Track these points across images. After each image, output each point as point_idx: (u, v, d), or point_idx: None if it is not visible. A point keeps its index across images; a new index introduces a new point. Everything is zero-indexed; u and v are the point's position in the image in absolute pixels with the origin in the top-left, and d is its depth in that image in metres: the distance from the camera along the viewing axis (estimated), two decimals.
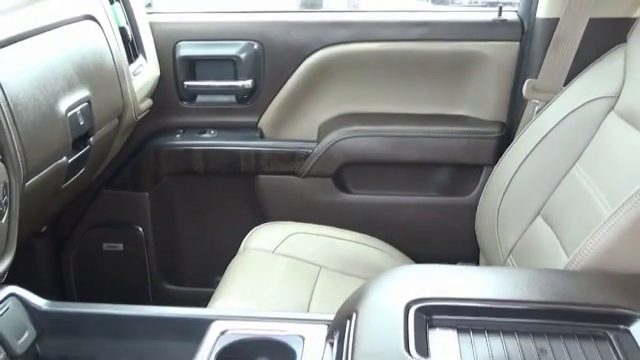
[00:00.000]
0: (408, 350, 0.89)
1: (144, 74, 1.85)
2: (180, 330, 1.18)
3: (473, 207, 1.79)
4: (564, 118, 1.58)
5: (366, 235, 1.82)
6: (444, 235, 1.96)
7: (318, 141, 1.94)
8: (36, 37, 1.40)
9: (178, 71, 1.94)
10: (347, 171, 1.96)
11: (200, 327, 1.15)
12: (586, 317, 0.98)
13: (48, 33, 1.44)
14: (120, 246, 2.02)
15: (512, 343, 0.94)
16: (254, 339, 1.13)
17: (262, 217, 1.88)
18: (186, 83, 1.95)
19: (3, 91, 1.22)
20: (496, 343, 0.94)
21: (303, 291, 1.59)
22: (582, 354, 0.92)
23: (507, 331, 0.96)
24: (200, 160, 1.96)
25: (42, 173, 1.35)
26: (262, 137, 1.98)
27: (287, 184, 1.95)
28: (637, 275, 1.08)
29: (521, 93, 1.77)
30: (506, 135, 1.86)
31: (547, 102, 1.68)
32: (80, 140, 1.52)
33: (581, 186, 1.46)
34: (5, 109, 1.21)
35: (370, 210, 1.95)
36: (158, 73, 1.92)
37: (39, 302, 1.21)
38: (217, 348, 1.10)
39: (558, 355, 0.91)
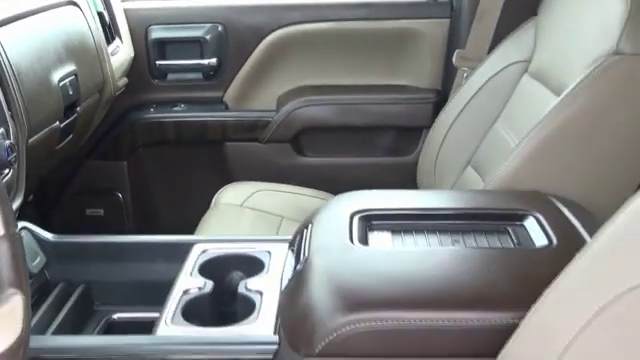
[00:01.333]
0: (352, 241, 1.15)
1: (120, 54, 2.07)
2: (167, 253, 1.41)
3: (414, 164, 2.04)
4: (487, 81, 1.84)
5: (321, 191, 2.07)
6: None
7: (277, 111, 2.18)
8: (29, 18, 1.62)
9: (150, 52, 2.17)
10: (303, 137, 2.21)
11: (184, 249, 1.38)
12: (491, 217, 1.24)
13: (39, 15, 1.66)
14: (101, 211, 2.23)
15: (433, 238, 1.20)
16: (229, 255, 1.37)
17: (229, 180, 2.11)
18: (158, 62, 2.17)
19: (9, 60, 1.44)
20: (420, 238, 1.20)
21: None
22: (487, 242, 1.18)
23: (430, 230, 1.22)
24: (172, 131, 2.19)
25: (41, 133, 1.57)
26: (227, 109, 2.22)
27: (251, 150, 2.19)
28: (534, 190, 1.35)
29: (452, 63, 2.04)
30: (441, 100, 2.12)
31: (473, 69, 1.95)
32: (69, 109, 1.74)
33: (502, 137, 1.73)
34: (11, 74, 1.43)
35: (324, 171, 2.19)
36: (132, 54, 2.14)
37: (47, 235, 1.44)
38: (198, 264, 1.33)
39: (468, 244, 1.17)
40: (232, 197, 1.97)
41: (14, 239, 0.82)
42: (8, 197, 0.87)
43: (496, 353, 0.91)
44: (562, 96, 1.40)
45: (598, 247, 0.80)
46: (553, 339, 0.81)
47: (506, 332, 0.90)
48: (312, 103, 2.16)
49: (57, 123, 1.66)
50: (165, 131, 2.19)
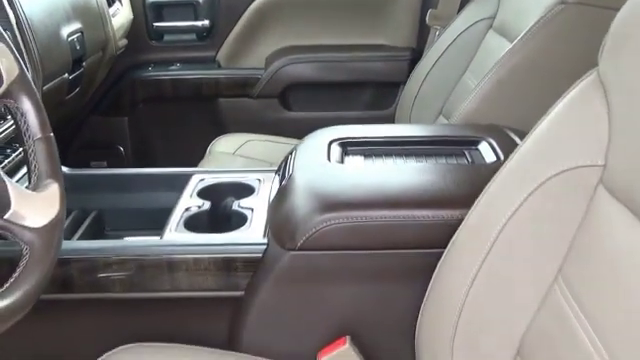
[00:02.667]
0: (329, 161, 1.34)
1: (120, 16, 2.25)
2: (169, 183, 1.59)
3: (392, 117, 2.24)
4: (456, 38, 2.03)
5: None
6: None
7: (265, 69, 2.37)
8: None
9: (148, 14, 2.35)
10: (290, 92, 2.40)
11: (183, 179, 1.56)
12: (451, 143, 1.43)
13: None
14: (105, 163, 2.42)
15: (400, 160, 1.39)
16: (224, 183, 1.56)
17: (222, 132, 2.29)
18: (155, 24, 2.36)
19: (24, 13, 1.62)
20: (389, 160, 1.39)
21: None
22: (445, 163, 1.37)
23: (397, 154, 1.40)
24: (169, 88, 2.37)
25: (53, 82, 1.74)
26: (219, 67, 2.40)
27: (242, 104, 2.38)
28: (490, 124, 1.54)
29: (425, 22, 2.23)
30: (416, 57, 2.31)
31: (444, 27, 2.14)
32: (76, 63, 1.91)
33: (468, 86, 1.92)
34: (27, 26, 1.61)
35: (309, 124, 2.37)
36: (131, 16, 2.32)
37: (63, 168, 1.61)
38: (196, 190, 1.52)
39: (430, 165, 1.37)
40: (225, 146, 2.15)
41: (49, 140, 1.01)
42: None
43: (446, 244, 1.10)
44: (514, 42, 1.59)
45: (522, 150, 0.99)
46: (488, 229, 0.99)
47: (455, 226, 1.09)
48: (297, 61, 2.34)
49: (66, 75, 1.84)
50: (163, 88, 2.37)
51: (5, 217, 0.90)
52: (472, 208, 1.05)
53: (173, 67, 2.39)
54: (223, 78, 2.37)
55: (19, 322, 1.11)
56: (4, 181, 0.90)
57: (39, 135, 0.99)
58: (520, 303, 0.94)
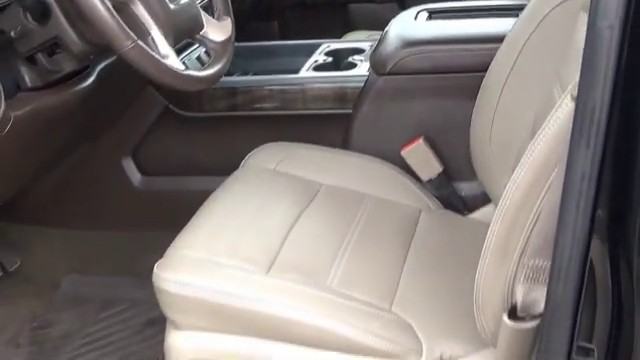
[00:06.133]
0: (416, 20, 1.85)
1: None
2: (306, 49, 2.15)
3: None
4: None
5: None
6: None
7: None
8: None
9: None
10: None
11: (315, 46, 2.12)
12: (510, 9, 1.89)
13: None
14: None
15: (466, 20, 1.87)
16: (343, 47, 2.10)
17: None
18: None
19: None
20: (458, 20, 1.87)
21: None
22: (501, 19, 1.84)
23: (466, 17, 1.89)
24: None
25: None
26: None
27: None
28: None
29: None
30: None
31: None
32: None
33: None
34: None
35: None
36: None
37: None
38: (323, 52, 2.07)
39: (487, 20, 1.83)
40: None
41: None
42: None
43: None
44: None
45: None
46: (515, 44, 1.46)
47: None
48: None
49: None
50: None
51: (200, 33, 1.50)
52: None
53: None
54: None
55: (197, 134, 1.71)
56: (199, 11, 1.49)
57: None
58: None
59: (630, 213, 0.80)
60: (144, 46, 1.22)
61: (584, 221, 0.81)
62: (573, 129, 0.80)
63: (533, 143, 0.96)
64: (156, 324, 1.84)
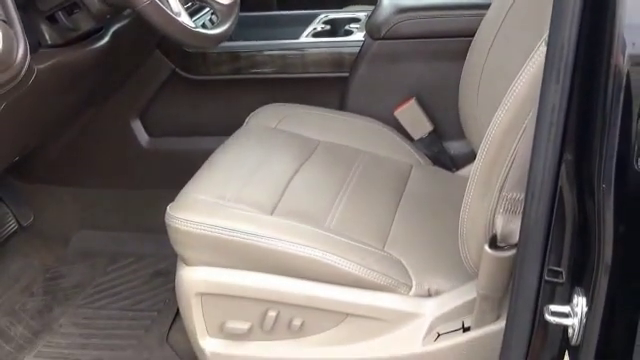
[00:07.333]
0: None
1: None
2: (304, 19, 2.26)
3: None
4: None
5: None
6: None
7: None
8: None
9: None
10: None
11: (313, 16, 2.23)
12: None
13: None
14: None
15: None
16: (340, 17, 2.21)
17: None
18: None
19: None
20: None
21: None
22: None
23: None
24: None
25: None
26: None
27: None
28: None
29: None
30: None
31: None
32: None
33: None
34: None
35: None
36: None
37: None
38: (321, 21, 2.18)
39: None
40: None
41: None
42: None
43: None
44: None
45: None
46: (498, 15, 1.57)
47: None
48: None
49: None
50: None
51: None
52: None
53: None
54: None
55: (201, 96, 1.82)
56: None
57: None
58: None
59: (592, 152, 0.90)
60: (159, 3, 1.33)
61: (554, 148, 0.93)
62: (545, 66, 0.91)
63: (513, 85, 1.07)
64: (163, 275, 1.96)
